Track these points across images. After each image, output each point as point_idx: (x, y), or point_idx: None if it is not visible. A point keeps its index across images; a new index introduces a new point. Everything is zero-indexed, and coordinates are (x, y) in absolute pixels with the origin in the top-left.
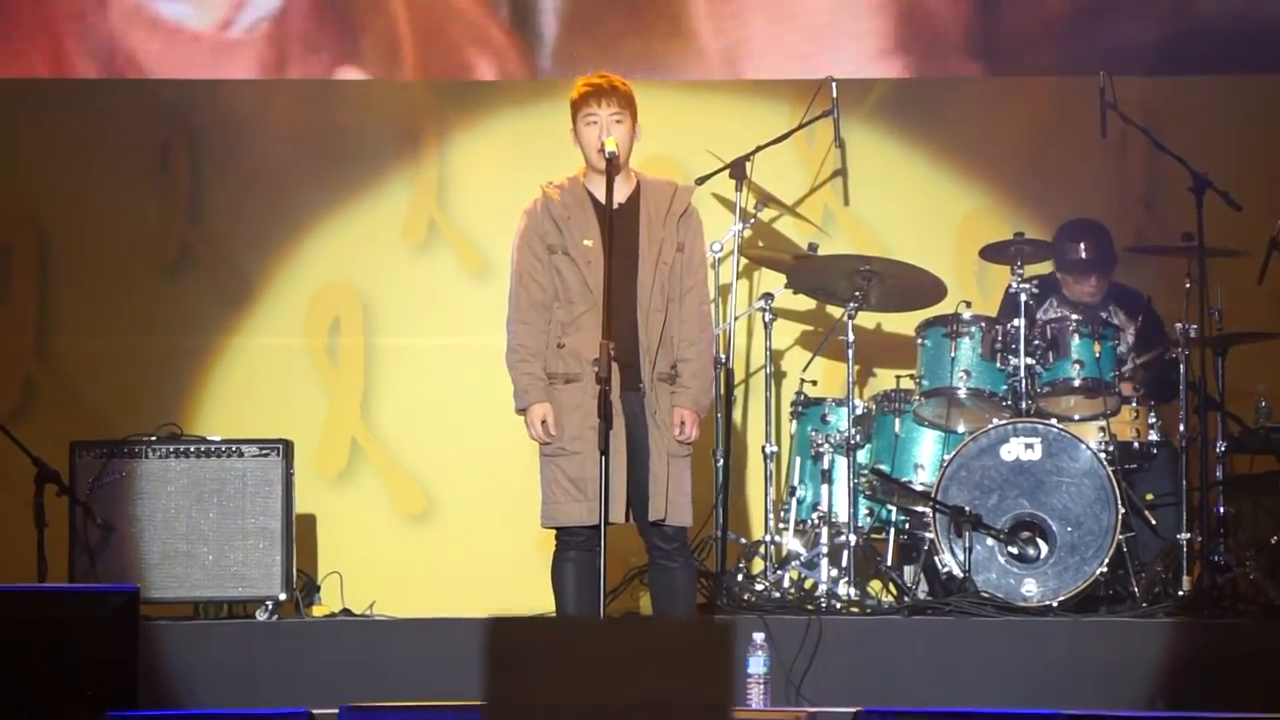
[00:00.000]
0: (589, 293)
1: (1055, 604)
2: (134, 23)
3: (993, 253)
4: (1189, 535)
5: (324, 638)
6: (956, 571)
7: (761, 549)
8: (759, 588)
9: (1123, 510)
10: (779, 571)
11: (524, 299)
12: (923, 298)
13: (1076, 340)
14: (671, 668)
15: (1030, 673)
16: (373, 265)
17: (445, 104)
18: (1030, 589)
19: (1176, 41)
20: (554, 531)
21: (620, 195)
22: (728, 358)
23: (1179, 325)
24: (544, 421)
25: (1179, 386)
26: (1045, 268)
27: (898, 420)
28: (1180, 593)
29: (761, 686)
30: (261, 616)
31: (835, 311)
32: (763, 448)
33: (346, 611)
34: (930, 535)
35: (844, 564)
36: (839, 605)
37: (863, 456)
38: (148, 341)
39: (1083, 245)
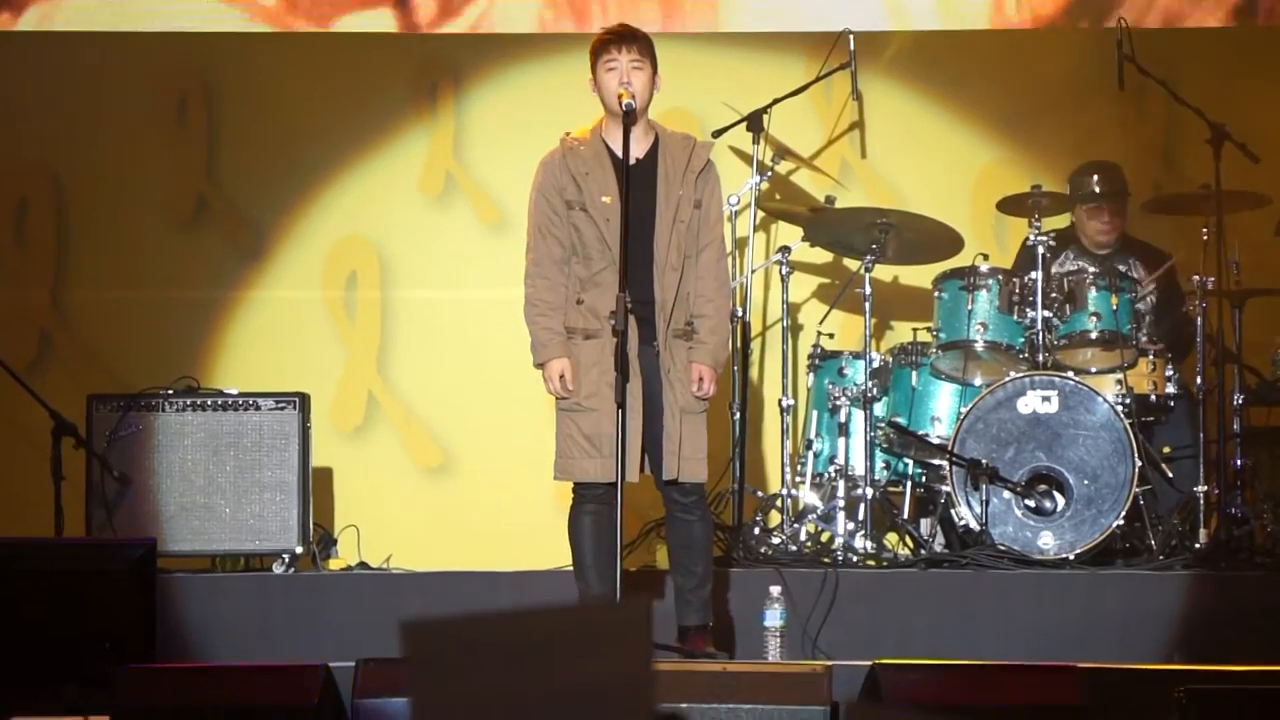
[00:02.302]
0: (607, 249)
1: (1072, 557)
2: None
3: (1010, 205)
4: (1206, 488)
5: (340, 591)
6: (973, 524)
7: (778, 502)
8: (776, 541)
9: (1140, 463)
10: (795, 525)
11: (542, 253)
12: (940, 250)
13: (1093, 293)
14: (592, 652)
15: (1047, 626)
16: (389, 218)
17: (462, 56)
18: (1047, 542)
19: None
20: (571, 485)
21: (639, 149)
22: (744, 311)
23: (1196, 278)
24: (562, 376)
25: (1195, 341)
26: (1063, 221)
27: (914, 373)
28: (1197, 545)
29: (778, 639)
30: (278, 570)
31: (852, 264)
32: (779, 401)
33: (363, 565)
34: (947, 488)
35: (860, 517)
36: (855, 558)
37: (879, 409)
38: (164, 295)
39: (1096, 177)
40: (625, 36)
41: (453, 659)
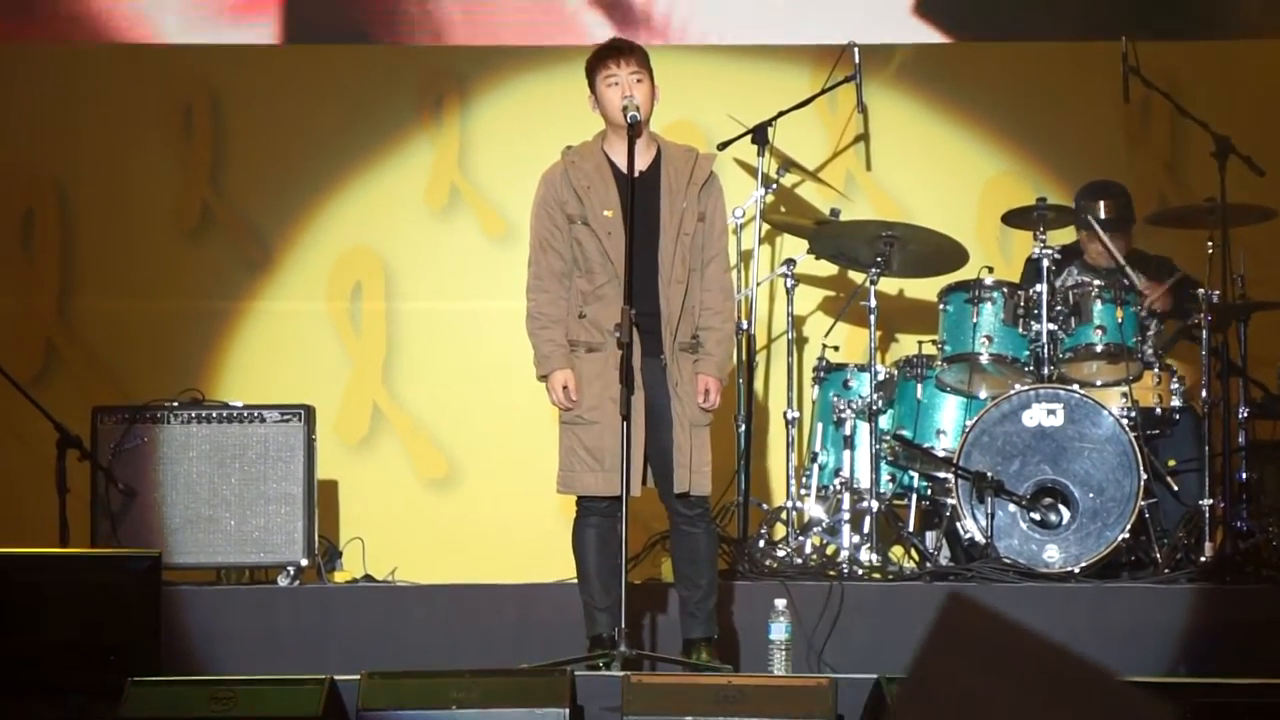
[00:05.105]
0: (610, 264)
1: (1077, 570)
2: None
3: (1015, 218)
4: (1211, 501)
5: (346, 604)
6: (978, 538)
7: (783, 515)
8: (781, 554)
9: (1145, 476)
10: (801, 538)
11: (543, 267)
12: (945, 263)
13: (1099, 305)
14: None
15: (1052, 639)
16: (395, 229)
17: (467, 68)
18: (1052, 555)
19: (1200, 4)
20: (574, 497)
21: (641, 162)
22: (750, 324)
23: (1201, 291)
24: (565, 387)
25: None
26: (1068, 235)
27: (920, 386)
28: (1202, 559)
29: (783, 653)
30: (283, 582)
31: (857, 277)
32: (784, 413)
33: (368, 577)
34: (952, 501)
35: (866, 530)
36: (861, 571)
37: (885, 422)
38: (170, 306)
39: (1103, 205)
40: (623, 50)
41: (978, 649)
